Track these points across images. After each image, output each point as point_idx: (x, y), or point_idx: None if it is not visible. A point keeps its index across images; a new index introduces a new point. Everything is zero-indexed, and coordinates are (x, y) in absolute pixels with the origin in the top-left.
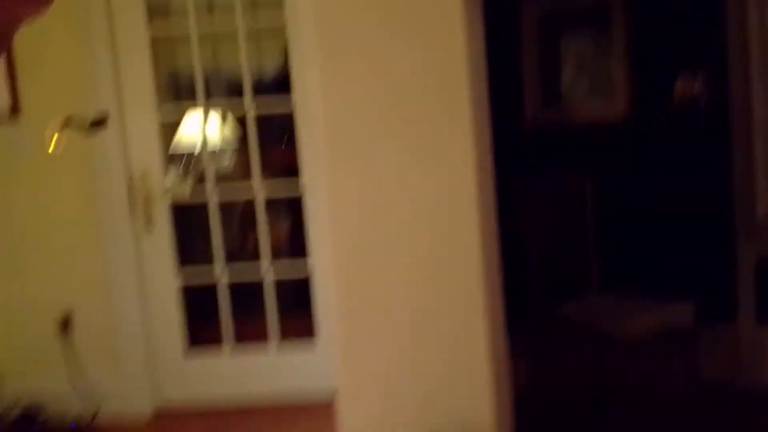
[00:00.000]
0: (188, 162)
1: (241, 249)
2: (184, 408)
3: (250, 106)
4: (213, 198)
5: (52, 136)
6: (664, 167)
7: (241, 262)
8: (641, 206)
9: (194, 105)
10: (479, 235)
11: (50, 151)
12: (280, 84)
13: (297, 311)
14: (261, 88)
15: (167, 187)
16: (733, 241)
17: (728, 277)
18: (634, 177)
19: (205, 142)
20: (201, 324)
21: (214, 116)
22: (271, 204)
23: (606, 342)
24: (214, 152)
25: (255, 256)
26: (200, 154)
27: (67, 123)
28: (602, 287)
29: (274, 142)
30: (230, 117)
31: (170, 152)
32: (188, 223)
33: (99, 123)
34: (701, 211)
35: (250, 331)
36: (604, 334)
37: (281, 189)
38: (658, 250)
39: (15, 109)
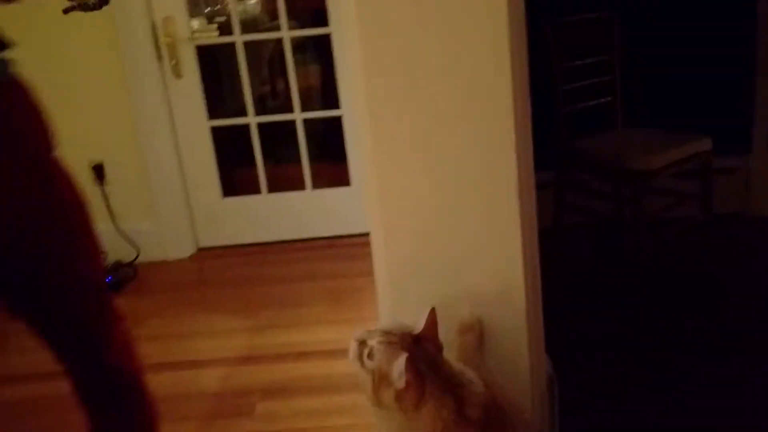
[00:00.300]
0: (213, 4)
1: (271, 95)
2: (222, 252)
3: None
4: (240, 41)
5: None
6: (690, 8)
7: (271, 112)
8: (667, 46)
9: None
10: (510, 74)
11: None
12: None
13: (330, 159)
14: None
15: (193, 30)
16: (753, 79)
17: (746, 114)
18: (660, 16)
19: None
20: (234, 172)
21: None
22: (299, 48)
23: (627, 174)
24: None
25: (285, 101)
26: None
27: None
28: (626, 124)
29: None
30: None
31: None
32: (217, 69)
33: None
34: (724, 50)
35: (284, 177)
36: (625, 168)
37: (308, 32)
38: (681, 88)
39: None
